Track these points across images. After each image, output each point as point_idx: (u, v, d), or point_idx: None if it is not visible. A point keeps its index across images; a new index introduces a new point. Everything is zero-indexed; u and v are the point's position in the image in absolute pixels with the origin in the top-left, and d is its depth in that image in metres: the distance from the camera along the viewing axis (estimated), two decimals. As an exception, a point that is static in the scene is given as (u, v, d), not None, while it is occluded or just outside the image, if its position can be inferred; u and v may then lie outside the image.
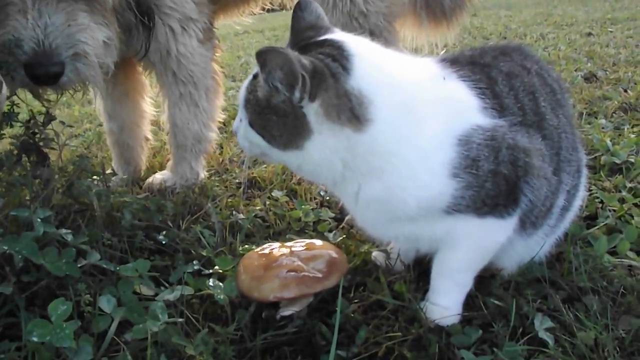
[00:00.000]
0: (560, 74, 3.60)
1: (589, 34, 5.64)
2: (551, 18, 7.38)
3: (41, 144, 1.55)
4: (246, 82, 1.13)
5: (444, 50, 4.40)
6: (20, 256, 1.20)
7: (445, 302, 1.19)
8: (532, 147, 1.11)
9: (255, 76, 1.10)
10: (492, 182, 1.07)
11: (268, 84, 1.03)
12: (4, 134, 1.52)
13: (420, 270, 1.33)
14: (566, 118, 1.25)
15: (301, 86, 1.00)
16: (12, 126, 1.49)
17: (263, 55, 1.01)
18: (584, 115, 2.61)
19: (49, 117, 1.56)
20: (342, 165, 1.08)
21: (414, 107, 1.05)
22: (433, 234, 1.14)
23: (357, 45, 1.09)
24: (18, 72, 1.44)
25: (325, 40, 1.09)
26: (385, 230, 1.20)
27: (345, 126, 1.03)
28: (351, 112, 1.02)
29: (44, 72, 1.45)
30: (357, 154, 1.05)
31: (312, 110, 1.03)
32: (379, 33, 2.29)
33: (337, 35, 1.13)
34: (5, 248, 1.20)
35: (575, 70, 3.75)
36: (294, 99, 1.02)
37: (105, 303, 1.22)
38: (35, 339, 1.03)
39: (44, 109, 1.64)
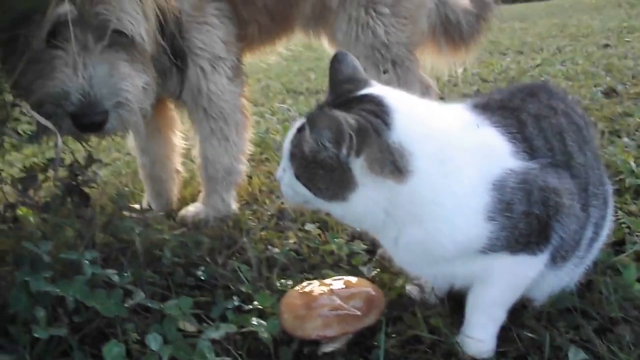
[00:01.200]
0: (579, 90, 3.64)
1: (606, 45, 5.65)
2: (567, 29, 7.40)
3: (83, 185, 1.62)
4: (290, 136, 1.19)
5: (461, 70, 4.45)
6: (72, 298, 1.27)
7: (480, 336, 1.23)
8: (562, 186, 1.16)
9: (299, 130, 1.16)
10: (525, 223, 1.12)
11: (317, 143, 1.09)
12: (49, 177, 1.59)
13: (454, 303, 1.37)
14: (592, 153, 1.30)
15: (348, 144, 1.06)
16: (56, 171, 1.56)
17: (314, 119, 1.08)
18: (605, 134, 2.62)
19: (91, 160, 1.63)
20: (384, 213, 1.13)
21: (451, 155, 1.11)
22: (468, 272, 1.19)
23: (396, 99, 1.14)
24: (65, 122, 1.51)
25: (366, 96, 1.15)
26: (424, 270, 1.25)
27: (388, 178, 1.08)
28: (393, 164, 1.08)
29: (90, 121, 1.52)
30: (399, 204, 1.11)
31: (357, 165, 1.09)
32: (401, 62, 2.35)
33: (376, 89, 1.19)
34: (59, 291, 1.27)
35: (595, 86, 3.76)
36: (341, 155, 1.08)
37: (153, 341, 1.27)
38: (93, 382, 1.09)
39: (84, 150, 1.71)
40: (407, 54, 2.37)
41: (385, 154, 1.08)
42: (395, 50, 2.33)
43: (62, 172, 1.63)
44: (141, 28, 1.57)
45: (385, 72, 2.36)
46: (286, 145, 1.19)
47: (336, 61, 1.24)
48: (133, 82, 1.59)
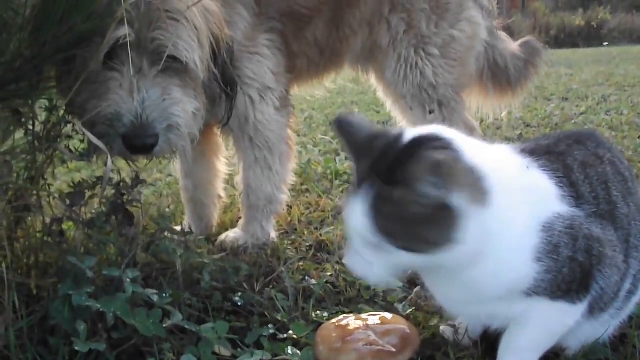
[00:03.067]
0: (622, 141, 3.61)
1: (653, 97, 5.60)
2: (613, 78, 7.34)
3: (128, 204, 1.65)
4: (356, 214, 1.08)
5: (505, 114, 4.44)
6: (112, 315, 1.30)
7: None
8: (605, 237, 1.16)
9: (379, 197, 1.06)
10: (569, 268, 1.12)
11: (422, 195, 1.00)
12: (96, 195, 1.63)
13: (487, 346, 1.37)
14: (635, 206, 1.29)
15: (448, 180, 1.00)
16: (104, 189, 1.59)
17: (406, 174, 1.01)
18: (649, 187, 2.60)
19: (138, 181, 1.66)
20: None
21: (508, 191, 1.10)
22: (509, 313, 1.18)
23: (447, 133, 1.14)
24: (116, 142, 1.56)
25: (415, 139, 1.11)
26: (467, 309, 1.25)
27: (480, 203, 1.04)
28: (481, 188, 1.05)
29: (141, 143, 1.57)
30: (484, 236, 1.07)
31: (456, 199, 1.02)
32: (447, 103, 2.37)
33: (417, 130, 1.15)
34: (99, 307, 1.30)
35: (639, 138, 3.73)
36: (447, 195, 1.01)
37: (188, 363, 1.30)
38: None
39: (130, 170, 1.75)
40: (454, 96, 2.40)
41: (472, 179, 1.04)
42: (442, 91, 2.36)
43: (109, 191, 1.66)
44: (195, 55, 1.61)
45: (431, 112, 2.38)
46: (358, 225, 1.08)
47: (344, 126, 1.17)
48: (184, 107, 1.63)
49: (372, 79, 2.56)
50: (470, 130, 2.55)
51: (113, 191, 1.65)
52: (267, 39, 2.01)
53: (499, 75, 2.56)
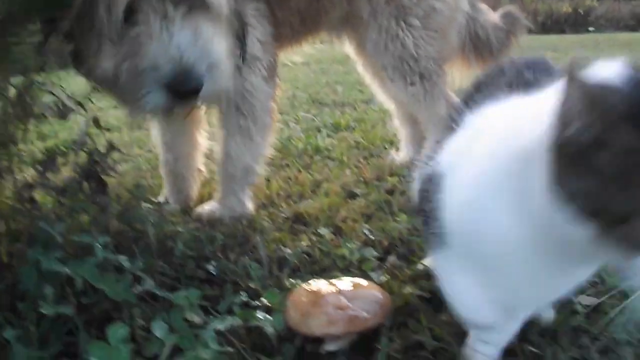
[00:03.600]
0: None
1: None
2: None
3: (101, 172, 1.63)
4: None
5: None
6: (81, 280, 1.28)
7: (486, 350, 1.21)
8: None
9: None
10: None
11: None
12: (69, 162, 1.61)
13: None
14: None
15: None
16: (77, 155, 1.58)
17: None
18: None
19: (111, 147, 1.65)
20: None
21: None
22: None
23: None
24: (160, 96, 1.47)
25: None
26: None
27: None
28: None
29: (188, 87, 1.47)
30: None
31: None
32: (429, 76, 2.37)
33: None
34: (68, 271, 1.28)
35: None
36: None
37: (158, 328, 1.28)
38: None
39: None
40: (436, 68, 2.39)
41: None
42: (423, 63, 2.35)
43: (83, 158, 1.64)
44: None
45: (412, 84, 2.38)
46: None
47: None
48: (219, 45, 1.55)
49: (349, 50, 2.60)
50: (450, 106, 2.55)
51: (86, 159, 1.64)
52: (254, 8, 1.98)
53: (481, 47, 2.56)
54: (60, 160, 1.66)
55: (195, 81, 1.47)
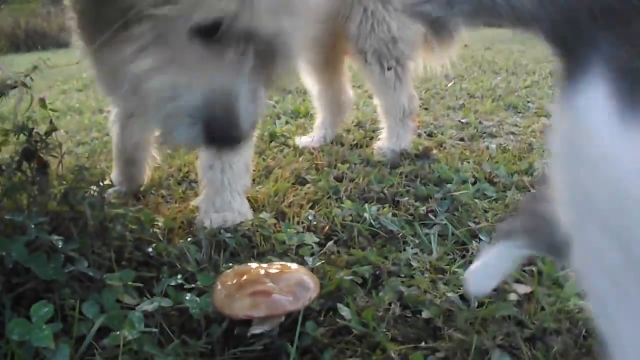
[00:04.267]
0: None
1: (599, 76, 5.68)
2: (564, 56, 7.43)
3: (43, 153, 1.62)
4: None
5: (452, 83, 4.48)
6: (11, 259, 1.28)
7: None
8: None
9: None
10: None
11: None
12: (8, 141, 1.60)
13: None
14: None
15: None
16: (18, 136, 1.56)
17: None
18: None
19: (52, 127, 1.63)
20: None
21: None
22: None
23: None
24: (190, 131, 1.31)
25: None
26: None
27: None
28: None
29: (227, 137, 1.34)
30: None
31: None
32: (403, 61, 2.45)
33: None
34: (-3, 250, 1.28)
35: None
36: None
37: (88, 309, 1.29)
38: (15, 338, 1.10)
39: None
40: (410, 53, 2.49)
41: None
42: (401, 47, 2.44)
43: (22, 138, 1.63)
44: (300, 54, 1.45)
45: (389, 68, 2.42)
46: None
47: None
48: (262, 104, 1.44)
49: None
50: (410, 99, 2.59)
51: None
52: None
53: (441, 32, 2.60)
54: (1, 141, 1.64)
55: (236, 136, 1.34)
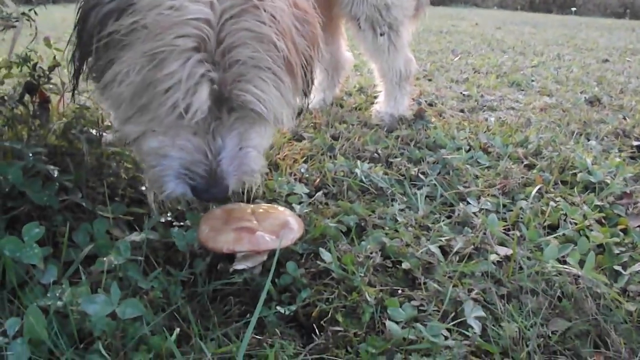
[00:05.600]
0: (564, 94, 3.68)
1: (606, 60, 5.69)
2: (573, 41, 7.43)
3: (45, 87, 1.65)
4: None
5: (458, 58, 4.49)
6: (7, 183, 1.32)
7: None
8: None
9: None
10: None
11: None
12: (12, 74, 1.63)
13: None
14: None
15: None
16: (21, 68, 1.59)
17: None
18: (574, 135, 2.68)
19: (55, 63, 1.66)
20: None
21: None
22: None
23: None
24: (177, 187, 1.33)
25: None
26: None
27: None
28: None
29: (211, 197, 1.35)
30: None
31: None
32: (396, 27, 2.47)
33: None
34: (-6, 172, 1.32)
35: (581, 93, 3.81)
36: None
37: (79, 236, 1.34)
38: (6, 253, 1.14)
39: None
40: (403, 19, 2.49)
41: None
42: (394, 13, 2.44)
43: (26, 72, 1.66)
44: (283, 111, 1.38)
45: (382, 34, 2.44)
46: None
47: None
48: (260, 151, 1.44)
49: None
50: (407, 62, 2.61)
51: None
52: None
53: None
54: (4, 72, 1.67)
55: (220, 193, 1.33)
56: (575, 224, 1.71)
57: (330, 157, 2.10)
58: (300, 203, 1.65)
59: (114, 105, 1.33)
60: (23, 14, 1.58)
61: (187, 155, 1.30)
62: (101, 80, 1.33)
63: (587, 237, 1.61)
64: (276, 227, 1.27)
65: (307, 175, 1.88)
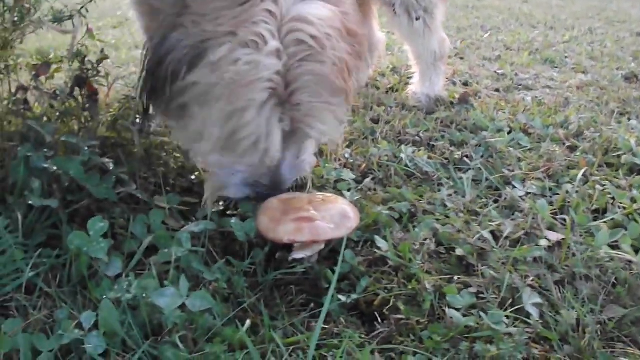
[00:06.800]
0: (600, 71, 3.64)
1: (640, 34, 5.59)
2: (604, 13, 7.29)
3: (93, 80, 1.67)
4: None
5: (488, 34, 4.45)
6: (67, 177, 1.35)
7: None
8: None
9: None
10: None
11: None
12: (62, 68, 1.65)
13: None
14: None
15: None
16: (71, 63, 1.61)
17: None
18: (614, 114, 2.65)
19: (103, 56, 1.68)
20: None
21: None
22: None
23: None
24: (241, 190, 1.44)
25: None
26: None
27: None
28: None
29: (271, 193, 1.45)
30: None
31: None
32: (431, 10, 2.45)
33: None
34: (55, 168, 1.34)
35: (617, 69, 3.74)
36: None
37: (137, 228, 1.36)
38: (73, 248, 1.17)
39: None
40: (437, 2, 2.48)
41: None
42: None
43: (75, 65, 1.68)
44: (336, 135, 1.49)
45: (417, 19, 2.43)
46: None
47: None
48: (314, 158, 1.57)
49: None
50: (441, 43, 2.60)
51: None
52: None
53: None
54: (55, 67, 1.70)
55: (279, 191, 1.44)
56: (624, 208, 1.70)
57: (372, 140, 2.10)
58: (349, 190, 1.66)
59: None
60: (82, 7, 1.60)
61: (254, 170, 1.40)
62: (182, 135, 1.48)
63: (637, 222, 1.60)
64: (334, 216, 1.28)
65: (351, 161, 1.89)
